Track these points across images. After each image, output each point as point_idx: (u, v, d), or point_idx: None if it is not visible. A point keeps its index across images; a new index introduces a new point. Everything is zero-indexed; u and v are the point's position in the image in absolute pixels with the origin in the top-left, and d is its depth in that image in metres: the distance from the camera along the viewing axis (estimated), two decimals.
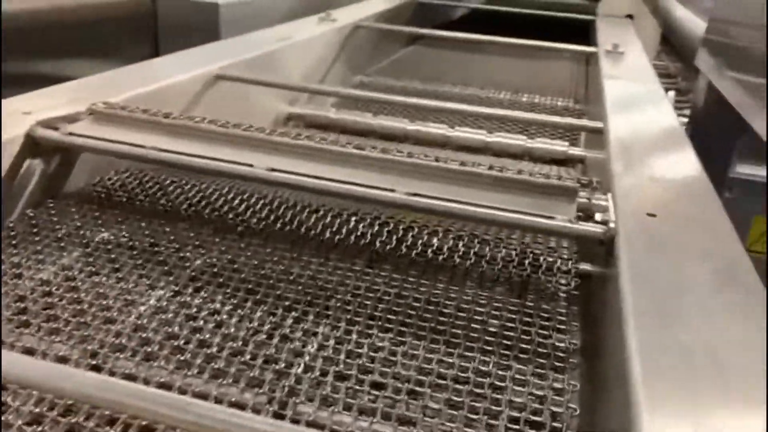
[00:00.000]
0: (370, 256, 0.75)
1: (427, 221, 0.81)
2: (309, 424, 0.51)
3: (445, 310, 0.65)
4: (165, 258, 0.72)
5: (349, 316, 0.63)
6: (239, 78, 1.22)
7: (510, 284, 0.71)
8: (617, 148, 0.91)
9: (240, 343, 0.60)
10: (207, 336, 0.60)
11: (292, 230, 0.79)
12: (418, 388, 0.55)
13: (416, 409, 0.53)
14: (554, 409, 0.53)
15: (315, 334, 0.61)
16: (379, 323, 0.63)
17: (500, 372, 0.57)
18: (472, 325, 0.63)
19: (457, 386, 0.55)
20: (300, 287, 0.67)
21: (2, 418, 0.51)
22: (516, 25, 2.14)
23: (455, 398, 0.54)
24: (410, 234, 0.78)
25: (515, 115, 1.30)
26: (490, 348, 0.60)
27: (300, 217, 0.81)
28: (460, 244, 0.77)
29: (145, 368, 0.57)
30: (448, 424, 0.51)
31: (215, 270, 0.70)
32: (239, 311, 0.64)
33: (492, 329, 0.63)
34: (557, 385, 0.56)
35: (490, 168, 0.76)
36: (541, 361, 0.59)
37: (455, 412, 0.52)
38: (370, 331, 0.62)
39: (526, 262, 0.74)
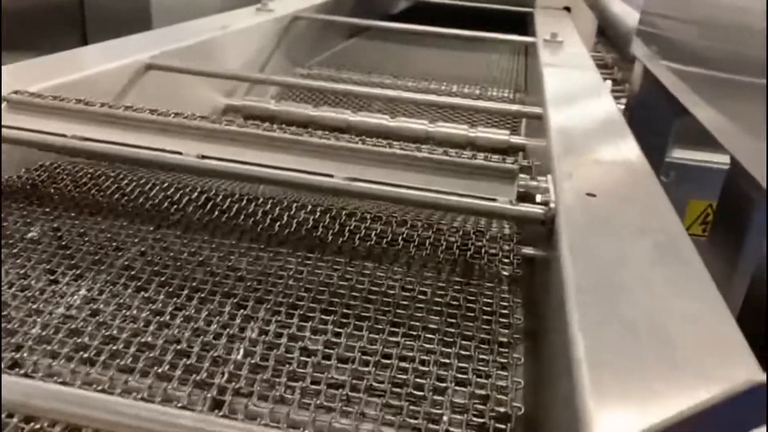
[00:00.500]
0: (310, 244, 0.72)
1: (370, 208, 0.79)
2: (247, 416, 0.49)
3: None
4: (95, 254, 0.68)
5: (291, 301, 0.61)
6: (172, 67, 1.17)
7: (453, 268, 0.70)
8: (557, 133, 0.91)
9: (180, 341, 0.56)
10: (142, 331, 0.57)
11: (229, 219, 0.76)
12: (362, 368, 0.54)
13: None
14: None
15: (254, 319, 0.59)
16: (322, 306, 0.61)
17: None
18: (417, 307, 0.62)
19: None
20: (240, 278, 0.65)
21: None
22: (455, 19, 2.15)
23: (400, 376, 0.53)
24: (352, 220, 0.76)
25: (458, 102, 1.30)
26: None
27: (238, 206, 0.78)
28: (403, 229, 0.75)
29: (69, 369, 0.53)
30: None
31: (151, 263, 0.66)
32: (176, 302, 0.61)
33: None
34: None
35: (430, 151, 0.74)
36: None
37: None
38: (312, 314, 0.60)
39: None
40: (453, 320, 0.61)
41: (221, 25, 1.47)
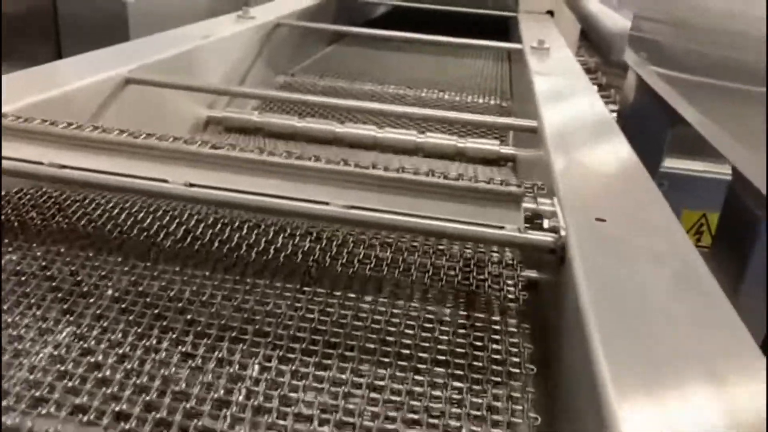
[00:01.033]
0: (303, 275, 0.68)
1: (365, 234, 0.75)
2: None
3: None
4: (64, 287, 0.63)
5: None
6: (152, 81, 1.12)
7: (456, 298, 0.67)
8: (555, 147, 0.88)
9: (146, 378, 0.52)
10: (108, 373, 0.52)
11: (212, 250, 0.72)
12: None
13: None
14: None
15: (243, 365, 0.55)
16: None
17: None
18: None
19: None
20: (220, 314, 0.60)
21: None
22: (437, 22, 2.12)
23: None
24: (345, 249, 0.72)
25: (449, 115, 1.26)
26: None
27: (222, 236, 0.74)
28: (400, 257, 0.72)
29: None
30: None
31: (121, 300, 0.62)
32: (145, 343, 0.56)
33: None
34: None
35: (430, 174, 0.71)
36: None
37: None
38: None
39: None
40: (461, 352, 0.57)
41: (202, 35, 1.42)
